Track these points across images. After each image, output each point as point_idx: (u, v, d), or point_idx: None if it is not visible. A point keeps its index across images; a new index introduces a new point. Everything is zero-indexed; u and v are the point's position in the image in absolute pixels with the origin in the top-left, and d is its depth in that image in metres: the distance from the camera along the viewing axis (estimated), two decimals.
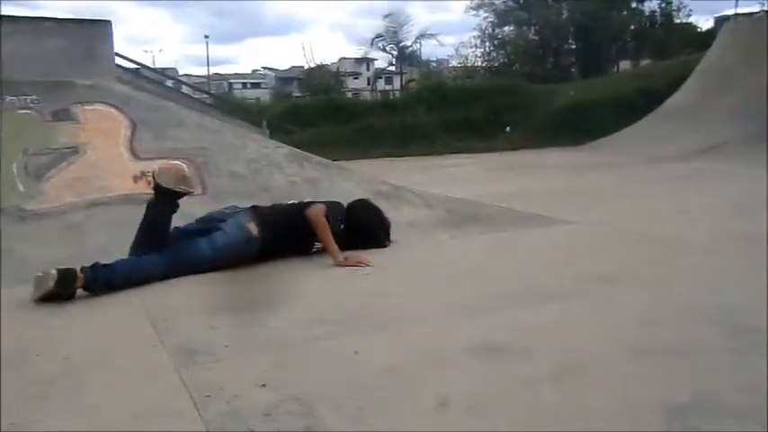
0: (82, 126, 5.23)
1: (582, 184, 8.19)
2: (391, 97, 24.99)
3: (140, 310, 3.09)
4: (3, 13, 5.72)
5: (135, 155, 5.14)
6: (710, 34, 21.16)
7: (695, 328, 2.55)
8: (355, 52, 42.30)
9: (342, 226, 4.13)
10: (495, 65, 31.98)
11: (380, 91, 34.92)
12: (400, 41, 37.67)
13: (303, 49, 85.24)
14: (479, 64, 33.26)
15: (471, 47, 34.13)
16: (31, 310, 3.18)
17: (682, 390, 1.95)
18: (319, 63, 34.35)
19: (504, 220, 5.31)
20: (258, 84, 58.26)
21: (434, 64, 40.03)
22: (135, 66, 14.44)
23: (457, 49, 36.76)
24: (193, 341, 2.58)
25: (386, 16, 38.73)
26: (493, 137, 16.08)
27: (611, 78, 22.65)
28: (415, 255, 4.26)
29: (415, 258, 4.17)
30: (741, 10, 26.34)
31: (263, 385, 2.10)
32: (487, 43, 32.89)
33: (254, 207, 4.10)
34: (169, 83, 18.91)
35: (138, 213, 3.83)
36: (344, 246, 4.02)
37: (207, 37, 54.52)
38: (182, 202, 3.79)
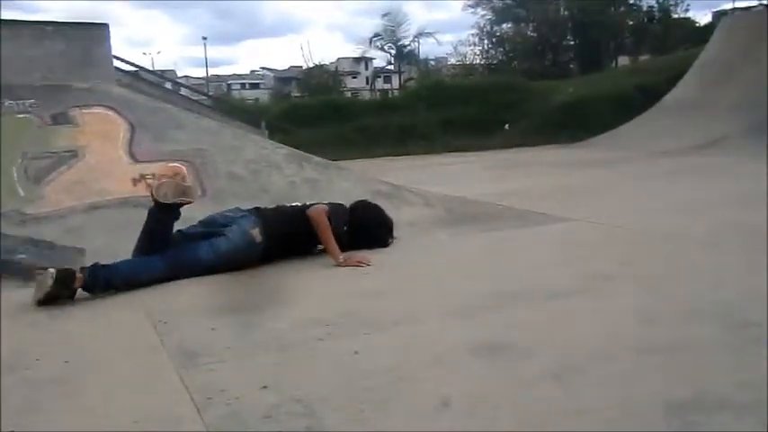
0: (81, 129, 5.24)
1: (581, 181, 8.19)
2: (390, 96, 24.97)
3: (141, 312, 3.09)
4: (1, 18, 5.73)
5: (134, 158, 5.14)
6: (709, 29, 21.13)
7: (695, 324, 2.55)
8: (353, 51, 42.22)
9: (345, 228, 4.13)
10: (494, 62, 31.97)
11: (379, 90, 34.86)
12: (398, 40, 37.64)
13: (301, 49, 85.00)
14: (478, 62, 33.27)
15: (470, 45, 34.16)
16: (31, 313, 3.18)
17: (682, 386, 1.95)
18: (318, 63, 34.34)
19: (504, 219, 5.31)
20: (257, 84, 58.21)
21: (433, 62, 40.02)
22: (133, 68, 14.44)
23: (455, 48, 36.73)
24: (194, 343, 2.59)
25: (384, 15, 38.76)
26: (492, 135, 16.06)
27: (610, 74, 22.62)
28: (415, 254, 4.26)
29: (415, 258, 4.17)
30: (739, 4, 26.39)
31: (264, 387, 2.10)
32: (486, 41, 32.90)
33: (257, 210, 4.07)
34: (168, 85, 18.89)
35: (138, 216, 3.84)
36: (348, 247, 4.03)
37: (205, 38, 54.70)
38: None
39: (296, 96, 30.07)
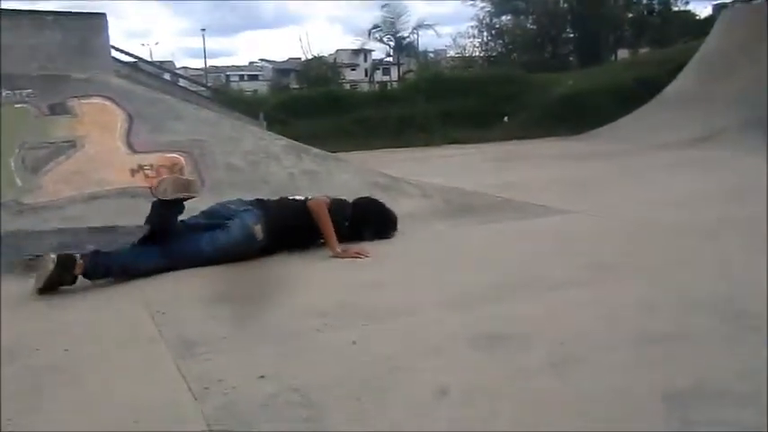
0: (79, 120, 5.23)
1: (580, 173, 8.19)
2: (389, 88, 24.89)
3: (139, 303, 3.09)
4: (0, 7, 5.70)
5: (132, 148, 5.13)
6: (709, 22, 21.06)
7: (694, 315, 2.55)
8: (352, 43, 42.13)
9: (346, 223, 4.13)
10: (493, 55, 31.87)
11: (378, 82, 34.75)
12: (397, 32, 37.53)
13: (300, 40, 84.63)
14: (477, 54, 33.16)
15: (469, 37, 34.01)
16: (30, 304, 3.19)
17: (681, 377, 1.95)
18: (316, 55, 34.23)
19: (503, 211, 5.31)
20: (255, 76, 57.97)
21: (432, 54, 39.86)
22: (132, 59, 14.40)
23: (454, 40, 36.48)
24: (192, 333, 2.59)
25: (383, 7, 38.61)
26: (491, 127, 16.03)
27: (610, 67, 22.56)
28: (414, 245, 4.26)
29: (414, 249, 4.17)
30: None
31: (262, 376, 2.10)
32: (485, 33, 32.77)
33: (260, 202, 4.05)
34: (166, 76, 18.83)
35: (136, 206, 3.84)
36: (350, 241, 4.04)
37: (203, 30, 54.45)
38: None
39: (294, 88, 29.97)
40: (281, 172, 5.39)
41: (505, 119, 16.87)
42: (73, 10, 6.11)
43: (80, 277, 3.37)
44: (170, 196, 3.60)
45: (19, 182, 4.64)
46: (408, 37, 38.07)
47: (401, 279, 3.42)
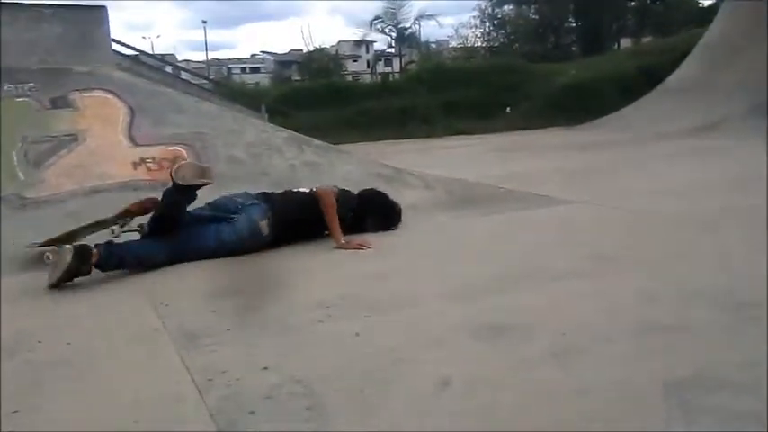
0: (80, 113, 5.22)
1: (583, 163, 8.17)
2: (391, 79, 24.84)
3: (142, 295, 3.10)
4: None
5: (134, 141, 5.13)
6: (712, 10, 20.94)
7: (695, 305, 2.54)
8: (354, 35, 42.03)
9: (350, 214, 4.14)
10: (495, 45, 31.81)
11: (380, 73, 34.67)
12: (399, 23, 37.41)
13: (302, 32, 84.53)
14: (479, 44, 33.08)
15: (471, 27, 33.97)
16: (33, 298, 3.20)
17: (681, 366, 1.96)
18: (318, 46, 34.17)
19: (505, 201, 5.30)
20: (257, 68, 57.85)
21: (434, 45, 39.78)
22: (133, 52, 14.39)
23: (456, 30, 36.58)
24: (195, 325, 2.60)
25: None
26: (493, 118, 16.01)
27: (612, 56, 22.49)
28: (416, 237, 4.26)
29: (416, 240, 4.17)
30: None
31: (265, 368, 2.11)
32: (487, 23, 32.73)
33: (265, 196, 4.04)
34: (168, 69, 18.81)
35: (138, 199, 3.83)
36: (353, 233, 4.05)
37: (205, 22, 54.27)
38: None
39: (296, 80, 29.95)
40: (282, 164, 5.39)
41: (508, 109, 16.84)
42: (73, 3, 6.07)
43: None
44: (188, 182, 3.60)
45: (21, 176, 4.65)
46: (410, 28, 37.98)
47: (404, 270, 3.43)
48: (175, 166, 3.71)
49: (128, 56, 13.11)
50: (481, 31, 33.12)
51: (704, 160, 7.56)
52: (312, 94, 18.09)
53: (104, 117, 5.25)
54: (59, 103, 5.23)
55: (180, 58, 47.20)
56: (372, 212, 4.29)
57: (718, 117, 10.87)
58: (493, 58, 27.19)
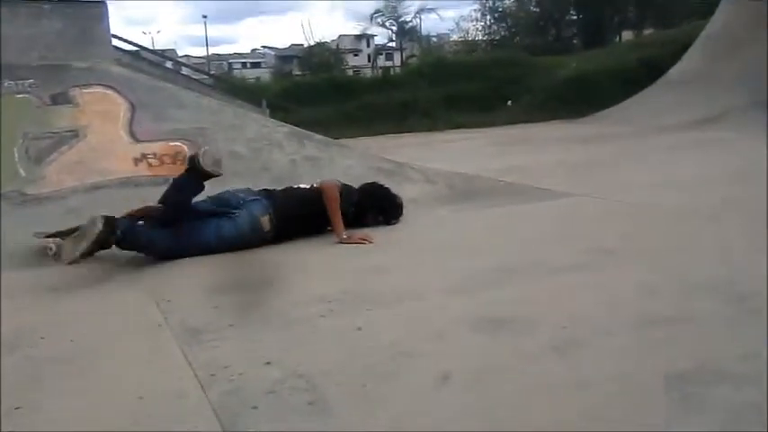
0: (81, 109, 5.21)
1: (584, 156, 8.15)
2: (392, 73, 24.79)
3: (144, 292, 3.11)
4: None
5: (134, 137, 5.12)
6: (714, 2, 20.84)
7: (696, 298, 2.55)
8: (354, 29, 41.92)
9: (352, 209, 4.13)
10: (497, 38, 31.67)
11: (381, 67, 34.59)
12: (400, 16, 37.26)
13: (302, 27, 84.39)
14: (480, 38, 32.97)
15: (472, 20, 33.84)
16: (34, 294, 3.20)
17: (682, 359, 1.96)
18: (319, 41, 34.11)
19: (506, 195, 5.30)
20: (258, 63, 57.78)
21: (435, 39, 39.66)
22: (134, 48, 14.35)
23: (457, 24, 36.53)
24: (197, 321, 2.60)
25: None
26: (495, 111, 15.96)
27: (614, 49, 22.39)
28: (418, 230, 4.26)
29: (418, 234, 4.17)
30: None
31: (268, 363, 2.11)
32: (488, 16, 32.56)
33: (267, 194, 4.03)
34: (169, 64, 18.79)
35: (139, 195, 3.85)
36: (353, 227, 4.04)
37: (205, 17, 54.22)
38: None
39: (297, 75, 29.92)
40: (283, 159, 5.38)
41: (509, 103, 16.79)
42: None
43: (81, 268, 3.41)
44: (208, 168, 3.68)
45: (22, 172, 4.65)
46: (411, 21, 37.83)
47: (405, 264, 3.43)
48: (201, 150, 3.80)
49: (128, 51, 13.06)
50: (482, 24, 33.00)
51: (706, 153, 7.54)
52: (313, 88, 18.03)
53: (105, 113, 5.24)
54: (60, 99, 5.22)
55: (180, 54, 47.14)
56: (374, 206, 4.30)
57: (720, 109, 10.83)
58: (494, 51, 27.07)
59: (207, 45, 56.58)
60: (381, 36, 41.03)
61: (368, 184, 4.49)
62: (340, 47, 38.16)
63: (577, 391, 1.81)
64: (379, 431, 1.68)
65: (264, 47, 62.14)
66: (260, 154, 5.37)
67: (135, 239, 3.58)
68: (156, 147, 5.05)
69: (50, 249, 3.52)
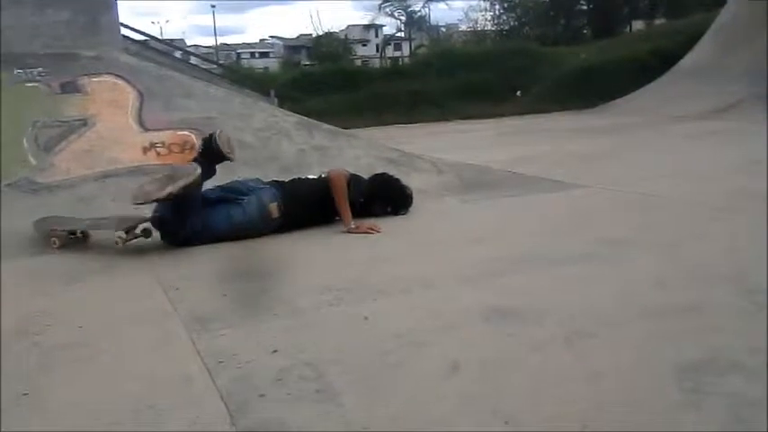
0: (90, 98, 5.23)
1: (594, 146, 8.09)
2: (400, 63, 24.71)
3: (153, 279, 3.12)
4: None
5: (143, 126, 5.14)
6: None
7: (707, 289, 2.53)
8: (363, 19, 41.78)
9: (361, 200, 4.13)
10: (506, 28, 31.48)
11: (389, 57, 34.45)
12: (408, 6, 37.04)
13: (311, 17, 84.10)
14: (489, 27, 32.77)
15: (481, 10, 33.77)
16: (43, 281, 3.21)
17: (693, 350, 1.94)
18: (327, 31, 34.00)
19: (515, 185, 5.27)
20: (266, 53, 57.74)
21: (444, 29, 39.46)
22: (143, 37, 14.36)
23: (466, 13, 36.29)
24: (206, 309, 2.61)
25: None
26: (504, 101, 15.88)
27: (624, 39, 22.20)
28: (426, 220, 4.25)
29: (426, 224, 4.16)
30: None
31: (275, 351, 2.11)
32: (497, 6, 32.31)
33: (277, 184, 4.04)
34: (177, 54, 18.80)
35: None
36: (361, 217, 4.03)
37: (214, 7, 54.13)
38: None
39: (306, 65, 29.86)
40: (291, 148, 5.38)
41: (518, 93, 16.70)
42: None
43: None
44: (224, 150, 3.84)
45: (32, 160, 4.67)
46: (419, 11, 37.58)
47: (413, 254, 3.42)
48: (218, 131, 3.96)
49: (137, 41, 13.08)
50: (491, 14, 32.76)
51: (717, 143, 7.47)
52: (321, 78, 18.00)
53: (114, 102, 5.26)
54: (69, 87, 5.24)
55: (189, 44, 47.17)
56: (383, 197, 4.29)
57: (731, 100, 10.74)
58: (503, 41, 26.94)
59: (215, 35, 56.72)
60: (390, 26, 40.89)
61: (378, 174, 4.49)
62: (348, 37, 37.98)
63: (588, 381, 1.80)
64: (385, 419, 1.67)
65: (273, 37, 62.09)
66: (268, 143, 5.37)
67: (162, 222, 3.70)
68: (165, 136, 5.07)
69: (54, 243, 3.52)
